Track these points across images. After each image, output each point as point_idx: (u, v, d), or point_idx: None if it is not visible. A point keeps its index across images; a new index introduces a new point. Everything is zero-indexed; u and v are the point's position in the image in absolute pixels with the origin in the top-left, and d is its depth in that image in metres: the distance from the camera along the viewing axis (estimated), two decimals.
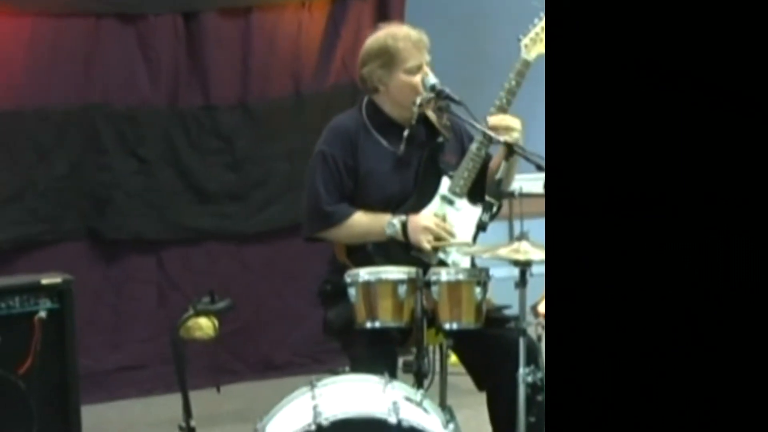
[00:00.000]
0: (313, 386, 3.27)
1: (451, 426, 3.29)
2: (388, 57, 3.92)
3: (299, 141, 5.64)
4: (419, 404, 3.25)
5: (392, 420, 3.01)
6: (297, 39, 6.00)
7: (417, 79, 3.89)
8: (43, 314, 3.92)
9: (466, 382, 4.00)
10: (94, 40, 5.56)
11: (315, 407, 3.08)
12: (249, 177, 5.97)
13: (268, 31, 5.94)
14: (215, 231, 5.96)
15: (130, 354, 5.68)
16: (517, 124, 3.81)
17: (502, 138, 3.68)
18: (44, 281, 3.99)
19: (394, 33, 3.97)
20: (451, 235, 3.85)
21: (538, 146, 3.54)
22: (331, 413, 3.04)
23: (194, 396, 4.63)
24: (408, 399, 3.24)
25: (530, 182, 3.68)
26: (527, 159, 3.61)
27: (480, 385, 3.96)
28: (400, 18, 6.01)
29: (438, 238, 3.83)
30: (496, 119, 3.81)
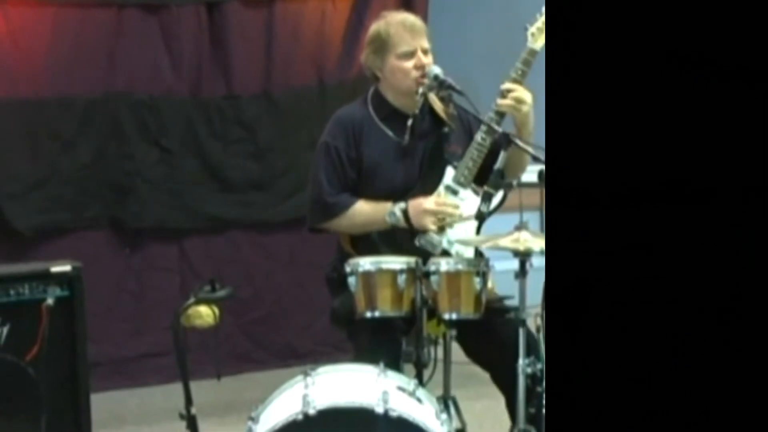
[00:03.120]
0: (306, 375, 3.28)
1: (444, 416, 3.28)
2: (380, 42, 3.94)
3: (322, 131, 5.64)
4: (412, 394, 3.24)
5: (379, 409, 3.02)
6: (320, 29, 6.01)
7: (409, 64, 3.90)
8: (50, 301, 3.95)
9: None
10: (117, 30, 5.59)
11: (305, 396, 3.09)
12: (272, 166, 5.99)
13: (291, 21, 5.94)
14: (237, 220, 5.98)
15: (152, 341, 5.70)
16: (529, 97, 3.83)
17: (500, 129, 3.69)
18: (53, 269, 4.01)
19: (388, 19, 4.00)
20: (454, 207, 3.86)
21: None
22: (320, 402, 3.05)
23: (216, 383, 4.69)
24: (401, 389, 3.24)
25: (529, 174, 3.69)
26: (524, 150, 3.60)
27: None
28: (424, 6, 6.02)
29: (441, 218, 3.84)
30: (509, 86, 3.83)
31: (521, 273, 3.51)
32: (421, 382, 3.46)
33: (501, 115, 3.82)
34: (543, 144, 3.43)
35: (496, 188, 3.55)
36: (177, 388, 3.64)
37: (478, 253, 3.86)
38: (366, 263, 3.63)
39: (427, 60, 3.91)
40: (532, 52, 3.87)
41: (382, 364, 3.32)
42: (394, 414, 3.03)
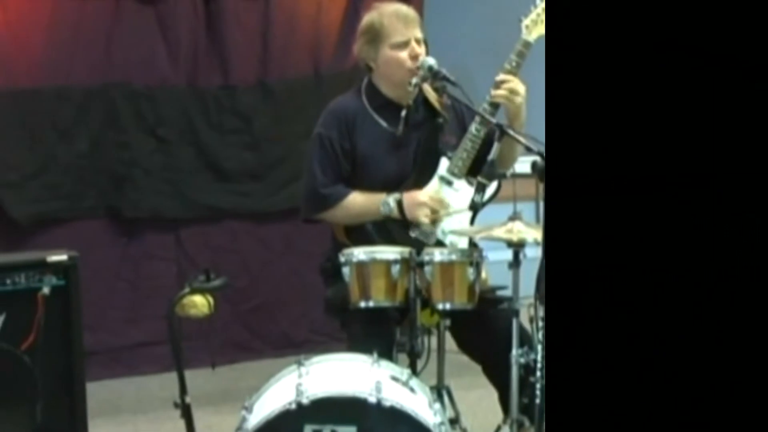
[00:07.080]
0: (300, 365, 3.29)
1: (437, 406, 3.29)
2: (374, 33, 3.95)
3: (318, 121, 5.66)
4: (405, 384, 3.25)
5: (372, 399, 3.03)
6: (317, 19, 6.02)
7: (403, 54, 3.90)
8: (46, 290, 3.95)
9: None
10: (114, 20, 5.59)
11: (298, 386, 3.09)
12: (267, 156, 6.00)
13: (287, 10, 5.95)
14: (234, 209, 6.00)
15: (148, 330, 5.72)
16: (523, 89, 3.85)
17: (494, 120, 3.70)
18: (50, 258, 4.01)
19: (382, 10, 4.00)
20: (446, 205, 3.88)
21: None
22: (313, 392, 3.06)
23: (211, 372, 4.71)
24: (394, 378, 3.24)
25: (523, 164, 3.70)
26: (518, 141, 3.62)
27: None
28: None
29: (435, 211, 3.86)
30: (504, 77, 3.86)
31: (515, 263, 3.54)
32: (414, 372, 3.48)
33: (495, 106, 3.84)
34: (536, 135, 3.49)
35: (490, 179, 3.56)
36: (172, 376, 3.65)
37: (472, 244, 3.88)
38: (360, 253, 3.65)
39: (421, 50, 3.92)
40: (527, 44, 3.89)
41: (375, 354, 3.33)
42: (387, 404, 3.04)
